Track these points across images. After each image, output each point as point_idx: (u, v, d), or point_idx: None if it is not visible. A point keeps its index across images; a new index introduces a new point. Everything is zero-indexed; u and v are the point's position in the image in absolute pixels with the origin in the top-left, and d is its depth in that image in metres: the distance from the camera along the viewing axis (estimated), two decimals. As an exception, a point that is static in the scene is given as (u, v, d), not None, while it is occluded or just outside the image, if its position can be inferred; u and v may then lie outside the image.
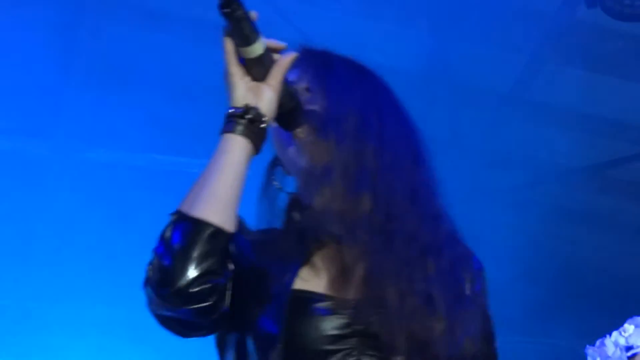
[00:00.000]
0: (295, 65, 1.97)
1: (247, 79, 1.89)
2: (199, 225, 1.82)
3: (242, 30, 1.87)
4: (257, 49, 1.89)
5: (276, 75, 1.90)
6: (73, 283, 5.30)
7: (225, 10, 1.85)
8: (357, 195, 1.93)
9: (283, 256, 1.95)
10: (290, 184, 2.07)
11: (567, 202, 5.72)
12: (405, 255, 1.92)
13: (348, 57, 2.14)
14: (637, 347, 2.62)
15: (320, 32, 4.66)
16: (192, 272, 1.80)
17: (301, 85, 1.98)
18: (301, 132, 1.97)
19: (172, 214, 1.86)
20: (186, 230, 1.81)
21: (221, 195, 1.85)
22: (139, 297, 1.97)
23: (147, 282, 1.85)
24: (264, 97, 1.89)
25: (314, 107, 1.98)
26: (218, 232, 1.83)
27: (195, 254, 1.81)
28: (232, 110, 1.87)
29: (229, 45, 1.89)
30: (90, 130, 5.17)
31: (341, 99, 1.98)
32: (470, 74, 5.06)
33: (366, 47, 4.54)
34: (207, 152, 5.38)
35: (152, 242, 2.08)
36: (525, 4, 4.84)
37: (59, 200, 5.22)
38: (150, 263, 1.86)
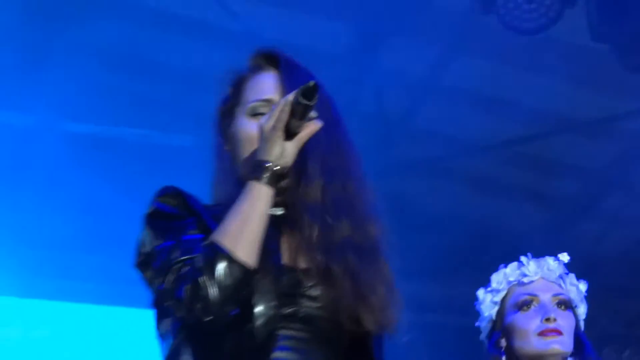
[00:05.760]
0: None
1: (282, 138, 2.07)
2: (248, 272, 1.99)
3: (305, 112, 2.07)
4: (304, 123, 2.09)
5: (304, 138, 2.08)
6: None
7: (307, 102, 2.06)
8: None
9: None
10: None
11: (477, 174, 6.01)
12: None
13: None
14: (501, 288, 3.07)
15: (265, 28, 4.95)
16: (230, 308, 1.99)
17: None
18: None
19: (216, 247, 2.00)
20: (236, 273, 1.97)
21: (258, 240, 2.02)
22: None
23: (181, 301, 1.98)
24: (290, 154, 2.08)
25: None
26: (253, 274, 2.01)
27: (237, 295, 1.99)
28: (268, 164, 2.05)
29: (285, 114, 2.06)
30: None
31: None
32: (392, 60, 5.32)
33: (299, 40, 4.82)
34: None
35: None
36: (440, 1, 5.07)
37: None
38: (189, 284, 1.98)
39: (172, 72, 5.33)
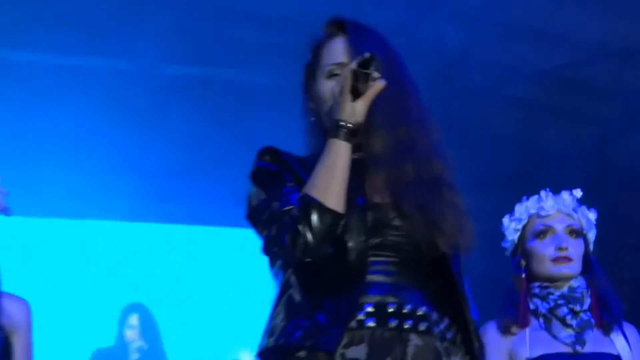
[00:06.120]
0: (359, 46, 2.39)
1: (351, 100, 2.29)
2: (338, 217, 2.22)
3: (367, 77, 2.27)
4: (369, 84, 2.29)
5: (370, 97, 2.29)
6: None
7: (365, 71, 2.26)
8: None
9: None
10: None
11: (528, 99, 6.26)
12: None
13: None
14: (523, 218, 3.41)
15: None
16: (326, 249, 2.23)
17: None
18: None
19: (309, 198, 2.22)
20: (327, 219, 2.20)
21: (344, 188, 2.24)
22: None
23: (285, 247, 2.22)
24: (360, 112, 2.30)
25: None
26: (342, 218, 2.24)
27: (331, 237, 2.22)
28: (343, 122, 2.27)
29: (349, 80, 2.28)
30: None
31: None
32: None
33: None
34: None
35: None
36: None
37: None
38: (290, 232, 2.21)
39: (257, 16, 5.59)
